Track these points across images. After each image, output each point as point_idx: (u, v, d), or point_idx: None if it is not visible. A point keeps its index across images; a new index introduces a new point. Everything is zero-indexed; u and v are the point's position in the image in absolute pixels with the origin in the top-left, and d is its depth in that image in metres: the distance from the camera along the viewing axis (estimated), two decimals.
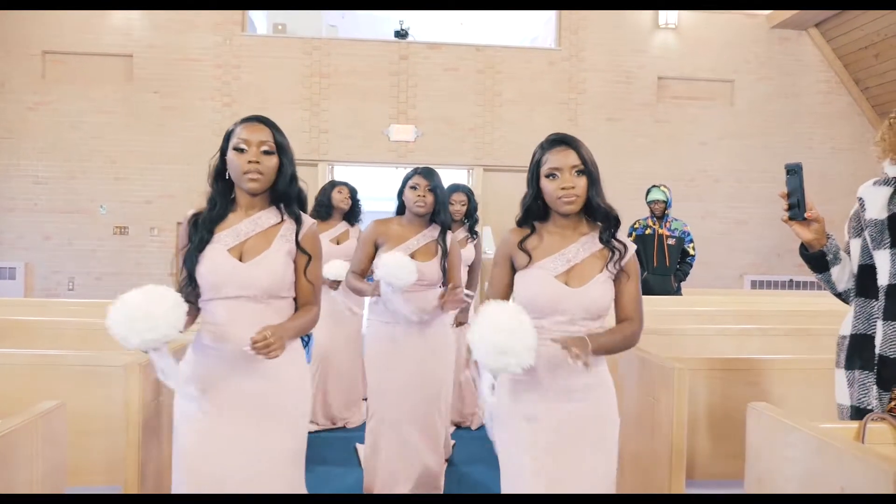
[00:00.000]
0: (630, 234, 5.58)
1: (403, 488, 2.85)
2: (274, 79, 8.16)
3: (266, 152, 1.86)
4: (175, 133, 8.09)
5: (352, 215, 4.43)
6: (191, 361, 1.88)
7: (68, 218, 8.02)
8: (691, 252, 5.57)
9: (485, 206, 7.73)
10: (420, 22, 9.15)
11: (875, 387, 1.72)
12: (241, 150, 1.86)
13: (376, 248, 2.86)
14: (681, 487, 1.96)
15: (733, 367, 2.28)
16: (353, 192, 4.42)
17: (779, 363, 2.30)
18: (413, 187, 2.83)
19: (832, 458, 1.27)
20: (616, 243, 1.88)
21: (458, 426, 4.27)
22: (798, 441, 1.39)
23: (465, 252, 3.98)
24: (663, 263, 5.53)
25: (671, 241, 5.50)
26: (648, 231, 5.52)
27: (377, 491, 2.87)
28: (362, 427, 3.33)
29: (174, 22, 8.04)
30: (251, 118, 1.94)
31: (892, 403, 1.72)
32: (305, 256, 1.89)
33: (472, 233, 4.17)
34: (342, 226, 4.38)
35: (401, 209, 2.93)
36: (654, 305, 4.56)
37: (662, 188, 5.59)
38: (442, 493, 3.03)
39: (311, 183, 8.10)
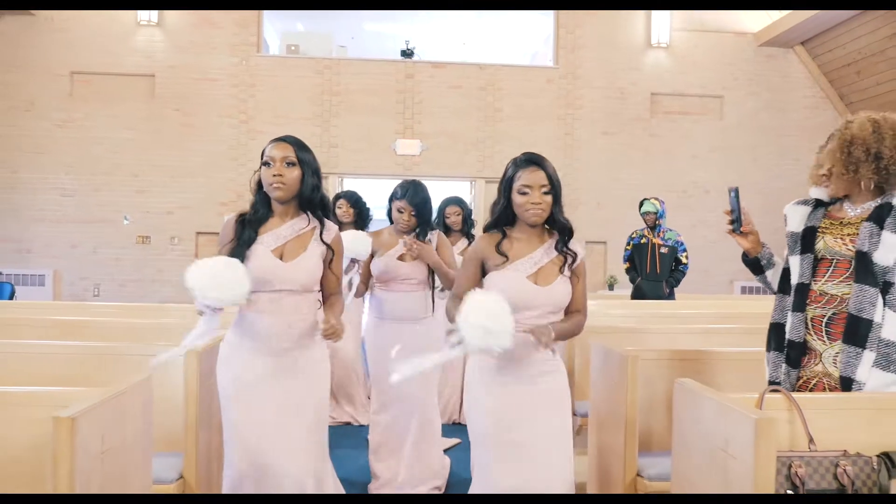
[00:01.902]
0: (628, 243, 5.98)
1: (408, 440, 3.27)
2: (287, 97, 8.66)
3: (289, 164, 2.23)
4: (194, 148, 8.58)
5: (361, 222, 4.62)
6: (233, 342, 2.26)
7: (94, 228, 8.52)
8: (684, 261, 5.94)
9: (486, 215, 8.18)
10: (425, 41, 9.63)
11: (784, 364, 2.15)
12: (268, 165, 2.25)
13: (373, 256, 3.28)
14: (634, 453, 2.40)
15: (686, 357, 2.71)
16: (354, 201, 4.61)
17: (724, 354, 2.72)
18: (399, 210, 3.19)
19: (724, 417, 1.70)
20: (568, 251, 2.26)
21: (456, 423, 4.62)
22: (707, 406, 1.83)
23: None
24: (655, 270, 5.90)
25: (664, 250, 5.89)
26: (644, 240, 5.90)
27: (383, 455, 3.28)
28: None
29: (193, 44, 8.56)
30: (279, 138, 2.32)
31: (801, 381, 2.15)
32: (330, 252, 2.31)
33: (470, 238, 4.59)
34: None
35: (391, 218, 3.31)
36: (639, 308, 5.01)
37: (654, 201, 5.98)
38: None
39: None
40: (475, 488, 2.31)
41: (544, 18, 9.43)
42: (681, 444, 2.01)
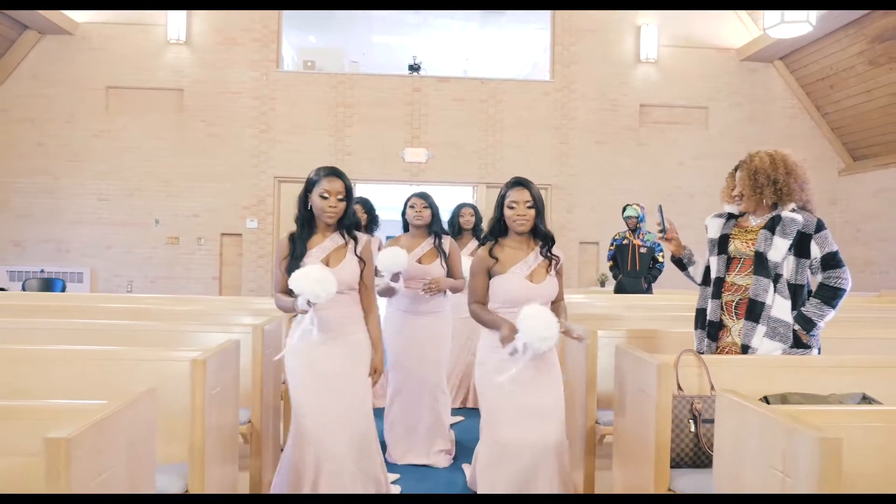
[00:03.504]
0: (611, 244, 6.70)
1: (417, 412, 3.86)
2: (304, 109, 9.39)
3: (340, 199, 2.79)
4: (219, 156, 9.33)
5: (371, 225, 5.07)
6: (297, 331, 2.82)
7: (127, 230, 9.28)
8: (660, 260, 6.65)
9: (488, 218, 8.90)
10: (430, 57, 10.37)
11: (706, 339, 2.87)
12: (324, 198, 2.75)
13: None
14: (594, 408, 3.12)
15: (641, 335, 3.42)
16: (368, 208, 5.05)
17: (673, 335, 3.43)
18: (412, 206, 3.87)
19: (643, 370, 2.42)
20: (552, 255, 2.88)
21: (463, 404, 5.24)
22: (635, 364, 2.55)
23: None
24: (635, 268, 6.62)
25: (643, 250, 6.61)
26: (625, 241, 6.62)
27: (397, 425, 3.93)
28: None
29: (218, 60, 9.30)
30: (331, 172, 2.79)
31: (718, 350, 2.87)
32: (363, 263, 2.91)
33: (480, 241, 5.22)
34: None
35: (406, 227, 3.95)
36: (619, 301, 5.73)
37: (635, 206, 6.69)
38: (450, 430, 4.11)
39: None
40: (483, 442, 2.84)
41: (542, 34, 10.16)
42: (619, 390, 2.74)
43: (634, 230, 6.62)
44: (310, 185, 2.82)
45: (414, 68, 9.82)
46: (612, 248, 6.65)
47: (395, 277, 3.76)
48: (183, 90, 9.30)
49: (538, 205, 2.80)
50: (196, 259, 9.32)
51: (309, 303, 2.58)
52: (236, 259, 9.45)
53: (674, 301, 5.74)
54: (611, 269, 6.66)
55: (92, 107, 9.21)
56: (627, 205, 6.74)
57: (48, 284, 7.22)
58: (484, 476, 2.82)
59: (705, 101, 9.89)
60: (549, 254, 2.84)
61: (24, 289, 7.37)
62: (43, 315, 3.94)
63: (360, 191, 9.45)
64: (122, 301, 4.79)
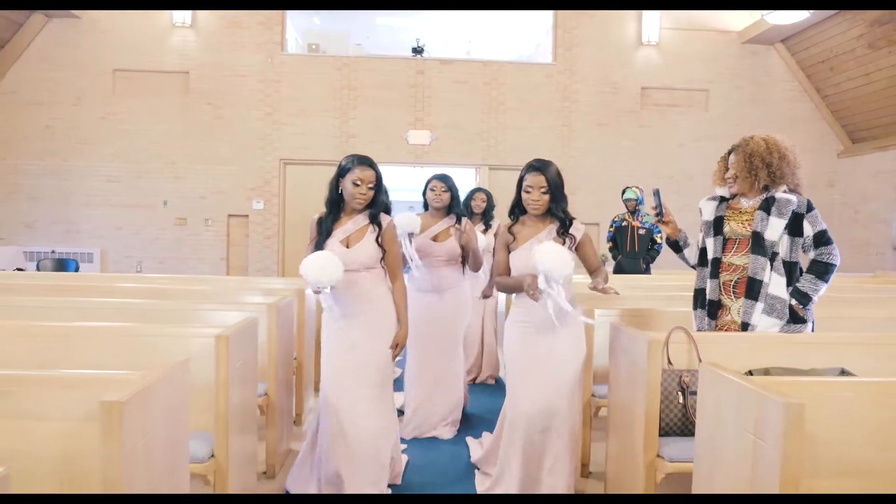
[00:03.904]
0: (611, 226, 6.86)
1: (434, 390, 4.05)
2: (309, 92, 9.50)
3: (370, 188, 2.93)
4: (225, 139, 9.46)
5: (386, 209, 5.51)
6: (329, 300, 3.00)
7: (136, 211, 9.45)
8: (658, 241, 6.80)
9: (499, 202, 9.04)
10: (433, 39, 10.44)
11: (707, 317, 3.03)
12: (356, 185, 2.91)
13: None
14: (590, 383, 3.31)
15: (636, 314, 3.59)
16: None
17: (667, 314, 3.60)
18: (432, 189, 4.04)
19: (635, 346, 2.60)
20: (567, 234, 2.99)
21: (473, 381, 5.40)
22: (628, 340, 2.72)
23: (485, 240, 5.04)
24: (634, 249, 6.79)
25: (641, 232, 6.76)
26: (624, 223, 6.77)
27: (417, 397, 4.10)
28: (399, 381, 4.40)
29: (224, 43, 9.40)
30: (364, 162, 2.93)
31: (718, 328, 3.02)
32: (383, 249, 3.02)
33: (488, 225, 5.37)
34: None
35: (426, 206, 4.13)
36: (618, 281, 5.89)
37: (634, 189, 6.83)
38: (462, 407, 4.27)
39: None
40: (507, 401, 3.02)
41: (544, 16, 10.21)
42: (614, 365, 2.92)
43: (633, 212, 6.77)
44: (342, 171, 2.98)
45: (417, 51, 9.90)
46: (611, 229, 6.81)
47: (409, 239, 3.88)
48: (189, 73, 9.41)
49: (553, 189, 2.92)
50: (204, 240, 9.50)
51: (321, 287, 2.75)
52: (243, 240, 9.62)
53: (670, 281, 5.90)
54: (610, 250, 6.83)
55: (99, 89, 9.33)
56: (627, 187, 6.87)
57: (62, 265, 7.40)
58: (506, 439, 3.00)
59: (706, 84, 9.97)
60: (564, 233, 2.96)
61: (38, 269, 7.56)
62: (62, 294, 4.12)
63: None
64: (139, 281, 4.98)
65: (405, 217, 3.82)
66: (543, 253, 2.68)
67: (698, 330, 3.04)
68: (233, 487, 2.48)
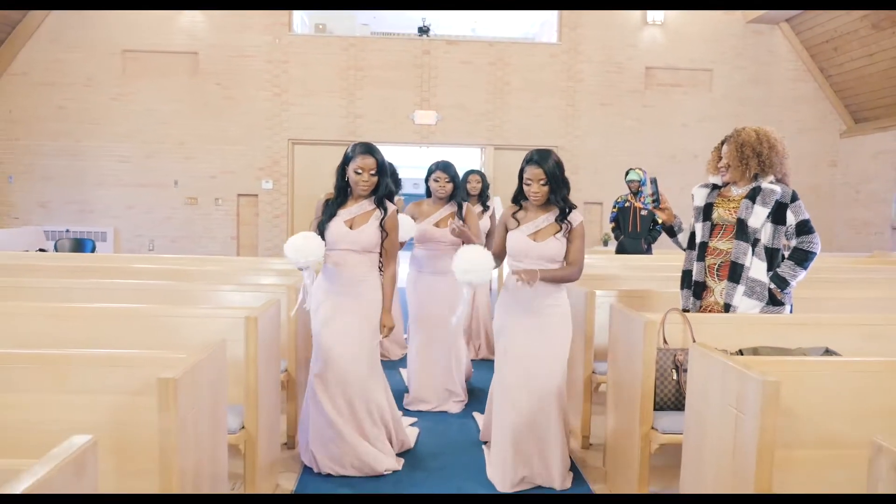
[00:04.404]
0: (614, 207, 7.01)
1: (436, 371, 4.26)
2: (316, 72, 9.61)
3: (372, 174, 3.17)
4: (234, 119, 9.60)
5: (394, 188, 5.59)
6: (321, 281, 3.23)
7: (147, 191, 9.63)
8: (660, 222, 6.97)
9: (495, 179, 9.21)
10: (439, 20, 10.50)
11: (692, 297, 3.22)
12: (358, 173, 3.06)
13: (414, 220, 4.29)
14: (591, 360, 3.51)
15: (635, 295, 3.78)
16: (391, 172, 5.08)
17: (664, 295, 3.78)
18: (436, 180, 4.18)
19: (632, 326, 2.79)
20: (565, 222, 3.13)
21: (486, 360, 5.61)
22: (625, 321, 2.91)
23: (482, 223, 5.28)
24: (636, 230, 6.95)
25: (643, 213, 6.91)
26: (627, 204, 6.92)
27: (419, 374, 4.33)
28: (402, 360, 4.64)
29: (232, 24, 9.49)
30: (365, 150, 3.06)
31: (702, 308, 3.22)
32: (385, 233, 3.22)
33: (485, 207, 5.51)
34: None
35: (428, 192, 4.29)
36: (619, 261, 6.07)
37: (637, 170, 6.96)
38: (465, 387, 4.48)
39: None
40: (494, 383, 3.21)
41: None
42: (612, 344, 3.12)
43: (636, 193, 6.90)
44: (346, 160, 3.13)
45: (423, 30, 9.97)
46: (614, 210, 6.97)
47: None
48: (198, 54, 9.51)
49: (551, 180, 3.02)
50: (214, 219, 9.69)
51: (303, 266, 2.96)
52: (253, 219, 9.81)
53: (670, 262, 6.07)
54: (613, 230, 6.99)
55: (109, 70, 9.45)
56: (630, 169, 7.00)
57: (79, 244, 7.61)
58: (494, 412, 3.21)
59: (710, 64, 10.04)
60: (563, 220, 3.08)
61: (56, 248, 7.77)
62: (85, 275, 4.31)
63: None
64: (156, 262, 5.16)
65: (402, 221, 3.90)
66: (457, 258, 2.96)
67: (684, 309, 3.23)
68: (260, 456, 2.70)
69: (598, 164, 9.95)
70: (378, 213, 3.19)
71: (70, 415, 1.99)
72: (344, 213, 3.16)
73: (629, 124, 10.01)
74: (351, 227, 3.13)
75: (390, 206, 3.24)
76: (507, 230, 3.16)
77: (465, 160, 11.78)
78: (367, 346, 3.23)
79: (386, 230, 3.21)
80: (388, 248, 3.26)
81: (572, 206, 3.14)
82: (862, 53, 9.06)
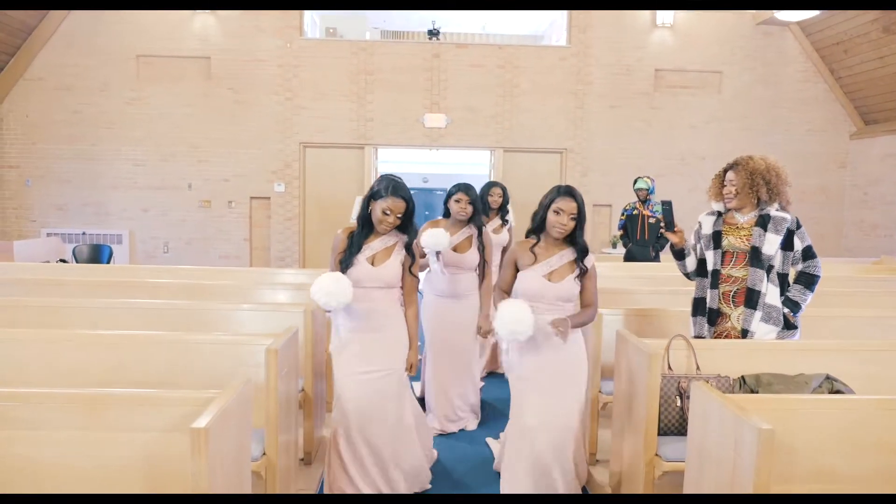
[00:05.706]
0: (622, 214, 7.08)
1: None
2: (327, 76, 9.70)
3: (399, 217, 3.05)
4: (246, 123, 9.72)
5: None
6: (343, 320, 3.18)
7: (162, 193, 9.78)
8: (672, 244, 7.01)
9: (504, 181, 9.27)
10: (449, 23, 10.55)
11: (706, 324, 3.31)
12: (385, 214, 3.02)
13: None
14: (598, 380, 3.61)
15: (642, 314, 3.87)
16: (407, 198, 5.48)
17: (672, 314, 3.86)
18: (457, 201, 4.09)
19: (637, 355, 2.89)
20: (581, 264, 3.01)
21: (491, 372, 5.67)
22: (631, 349, 3.01)
23: (501, 237, 5.28)
24: (644, 237, 7.02)
25: (651, 221, 6.98)
26: (635, 212, 6.99)
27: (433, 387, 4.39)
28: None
29: (244, 29, 9.58)
30: (397, 192, 3.01)
31: (716, 334, 3.30)
32: (410, 258, 3.18)
33: (504, 220, 5.49)
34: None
35: (446, 213, 4.24)
36: (628, 271, 6.14)
37: (646, 179, 7.03)
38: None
39: (357, 163, 9.78)
40: (512, 413, 3.12)
41: None
42: (617, 368, 3.23)
43: (644, 201, 6.98)
44: (375, 195, 3.08)
45: (433, 33, 10.03)
46: (622, 217, 7.04)
47: (437, 256, 4.06)
48: (210, 58, 9.62)
49: (581, 218, 2.99)
50: (227, 221, 9.83)
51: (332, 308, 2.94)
52: (265, 221, 9.95)
53: (677, 272, 6.10)
54: (621, 237, 7.07)
55: (124, 75, 9.58)
56: (638, 177, 7.07)
57: (96, 250, 7.77)
58: (510, 451, 3.16)
59: (720, 66, 10.04)
60: (580, 263, 3.04)
61: (74, 255, 7.93)
62: (104, 290, 4.45)
63: (381, 155, 9.83)
64: (176, 275, 5.24)
65: (434, 235, 3.95)
66: (501, 312, 2.85)
67: (696, 336, 3.32)
68: (280, 479, 2.83)
69: (607, 166, 10.00)
70: (399, 248, 3.16)
71: (104, 451, 2.12)
72: (366, 250, 3.12)
73: (638, 126, 10.04)
74: (372, 264, 3.10)
75: (416, 250, 3.22)
76: (516, 268, 3.10)
77: (474, 162, 11.86)
78: (394, 396, 3.18)
79: (409, 270, 3.19)
80: (408, 287, 3.23)
81: (587, 251, 3.08)
82: (872, 56, 9.05)
